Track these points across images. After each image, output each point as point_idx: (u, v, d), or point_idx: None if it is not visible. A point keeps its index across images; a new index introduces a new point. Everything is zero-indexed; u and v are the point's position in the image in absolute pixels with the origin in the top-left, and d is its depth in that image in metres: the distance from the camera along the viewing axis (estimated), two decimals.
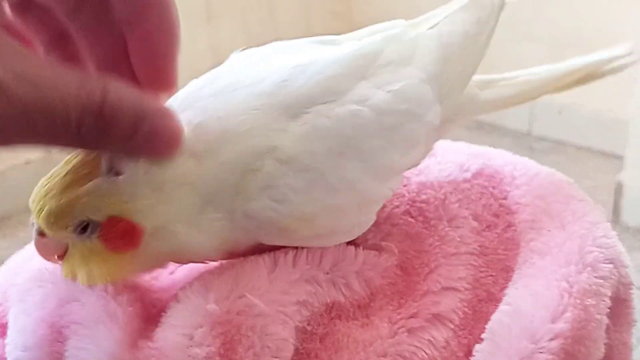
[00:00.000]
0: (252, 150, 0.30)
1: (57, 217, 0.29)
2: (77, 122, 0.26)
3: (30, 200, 0.30)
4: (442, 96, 0.35)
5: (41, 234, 0.30)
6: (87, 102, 0.26)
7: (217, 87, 0.32)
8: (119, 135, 0.27)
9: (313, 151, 0.31)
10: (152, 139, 0.28)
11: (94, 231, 0.30)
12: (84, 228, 0.30)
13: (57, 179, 0.30)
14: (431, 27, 0.36)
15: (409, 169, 0.35)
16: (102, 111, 0.26)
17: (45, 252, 0.31)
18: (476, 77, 0.38)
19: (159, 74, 0.30)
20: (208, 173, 0.30)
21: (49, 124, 0.25)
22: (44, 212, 0.29)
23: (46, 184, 0.30)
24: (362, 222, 0.34)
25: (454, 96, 0.36)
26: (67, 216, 0.29)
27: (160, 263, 0.32)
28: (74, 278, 0.31)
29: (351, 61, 0.33)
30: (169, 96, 0.32)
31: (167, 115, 0.29)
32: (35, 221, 0.30)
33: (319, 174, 0.31)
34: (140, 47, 0.30)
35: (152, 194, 0.30)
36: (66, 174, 0.30)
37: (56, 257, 0.31)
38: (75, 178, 0.30)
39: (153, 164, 0.29)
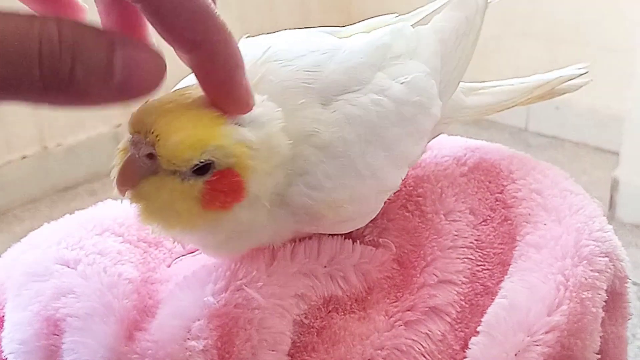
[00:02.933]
0: (295, 134, 0.30)
1: (191, 149, 0.27)
2: (39, 57, 0.21)
3: (142, 118, 0.27)
4: (441, 92, 0.36)
5: (150, 155, 0.27)
6: (45, 35, 0.21)
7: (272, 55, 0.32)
8: (91, 70, 0.22)
9: (345, 138, 0.31)
10: (132, 73, 0.22)
11: (206, 175, 0.27)
12: (201, 169, 0.27)
13: (180, 110, 0.27)
14: (416, 23, 0.37)
15: (415, 162, 0.36)
16: (61, 40, 0.22)
17: (132, 177, 0.27)
18: (461, 84, 0.39)
19: (231, 96, 0.28)
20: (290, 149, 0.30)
21: (15, 72, 0.21)
22: (172, 139, 0.26)
23: (167, 110, 0.27)
24: (374, 209, 0.34)
25: (448, 93, 0.37)
26: (199, 151, 0.27)
27: (222, 243, 0.31)
28: (137, 203, 0.28)
29: (370, 51, 0.34)
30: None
31: (141, 45, 0.23)
32: (145, 142, 0.27)
33: (350, 161, 0.31)
34: (206, 73, 0.27)
35: (267, 159, 0.29)
36: (191, 107, 0.27)
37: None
38: (203, 115, 0.27)
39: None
